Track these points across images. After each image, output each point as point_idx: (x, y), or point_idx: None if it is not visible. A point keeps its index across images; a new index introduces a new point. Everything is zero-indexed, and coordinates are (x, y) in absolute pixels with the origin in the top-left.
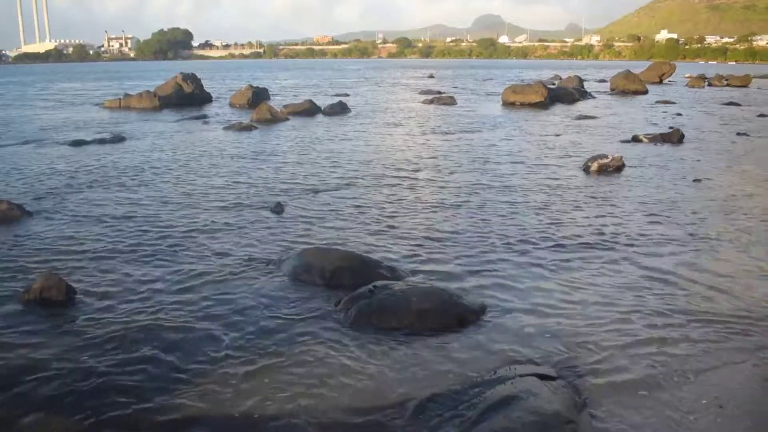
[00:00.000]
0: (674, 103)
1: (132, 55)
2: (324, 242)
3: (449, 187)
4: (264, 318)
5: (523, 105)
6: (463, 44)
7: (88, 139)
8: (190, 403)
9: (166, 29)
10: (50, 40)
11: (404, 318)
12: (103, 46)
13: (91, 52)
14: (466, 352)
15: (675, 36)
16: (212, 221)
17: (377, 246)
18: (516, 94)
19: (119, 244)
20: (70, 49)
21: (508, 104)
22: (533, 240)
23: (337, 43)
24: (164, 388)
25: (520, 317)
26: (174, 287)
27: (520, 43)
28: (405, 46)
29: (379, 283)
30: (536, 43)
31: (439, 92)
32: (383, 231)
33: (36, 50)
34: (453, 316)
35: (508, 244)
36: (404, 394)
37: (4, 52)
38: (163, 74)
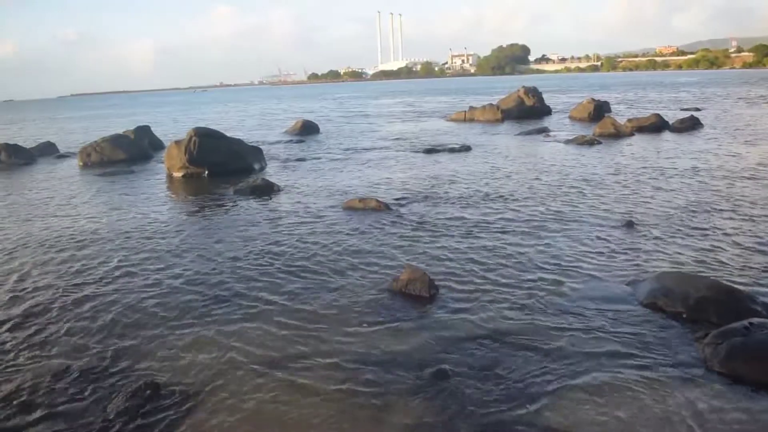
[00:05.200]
0: None
1: (472, 71)
2: (680, 267)
3: None
4: (611, 342)
5: None
6: None
7: (439, 148)
8: (522, 413)
9: (504, 45)
10: (402, 59)
11: None
12: (446, 63)
13: (436, 68)
14: None
15: None
16: (557, 236)
17: (747, 278)
18: None
19: (473, 247)
20: (419, 67)
21: None
22: None
23: (682, 53)
24: (509, 396)
25: None
26: (516, 293)
27: None
28: (764, 54)
29: (755, 320)
30: None
31: None
32: (751, 260)
33: (390, 68)
34: None
35: None
36: None
37: (364, 70)
38: (499, 89)
